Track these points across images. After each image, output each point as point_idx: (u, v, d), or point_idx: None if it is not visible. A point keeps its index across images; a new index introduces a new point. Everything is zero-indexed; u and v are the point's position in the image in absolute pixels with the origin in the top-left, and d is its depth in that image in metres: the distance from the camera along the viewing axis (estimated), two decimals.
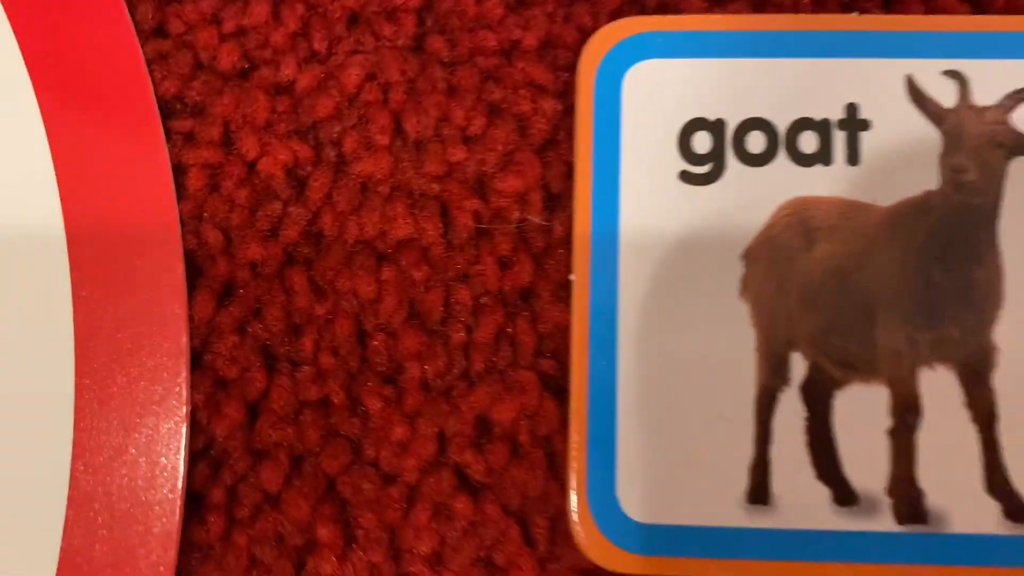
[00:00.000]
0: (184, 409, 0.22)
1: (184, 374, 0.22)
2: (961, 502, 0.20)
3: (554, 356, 0.22)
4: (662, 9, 0.23)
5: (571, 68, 0.23)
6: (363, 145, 0.23)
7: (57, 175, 0.22)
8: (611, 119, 0.22)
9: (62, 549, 0.21)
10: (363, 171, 0.22)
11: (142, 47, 0.23)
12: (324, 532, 0.22)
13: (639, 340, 0.21)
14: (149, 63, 0.23)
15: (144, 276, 0.22)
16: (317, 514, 0.22)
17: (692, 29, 0.22)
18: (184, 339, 0.22)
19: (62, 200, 0.22)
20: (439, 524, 0.22)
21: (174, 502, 0.21)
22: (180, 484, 0.22)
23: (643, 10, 0.23)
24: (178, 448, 0.22)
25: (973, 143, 0.21)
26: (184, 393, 0.22)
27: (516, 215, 0.22)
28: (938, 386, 0.21)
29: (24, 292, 0.22)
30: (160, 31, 0.24)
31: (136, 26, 0.23)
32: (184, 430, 0.22)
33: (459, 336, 0.22)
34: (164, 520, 0.21)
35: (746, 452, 0.21)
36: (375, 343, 0.22)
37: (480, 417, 0.22)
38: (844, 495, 0.21)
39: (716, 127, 0.22)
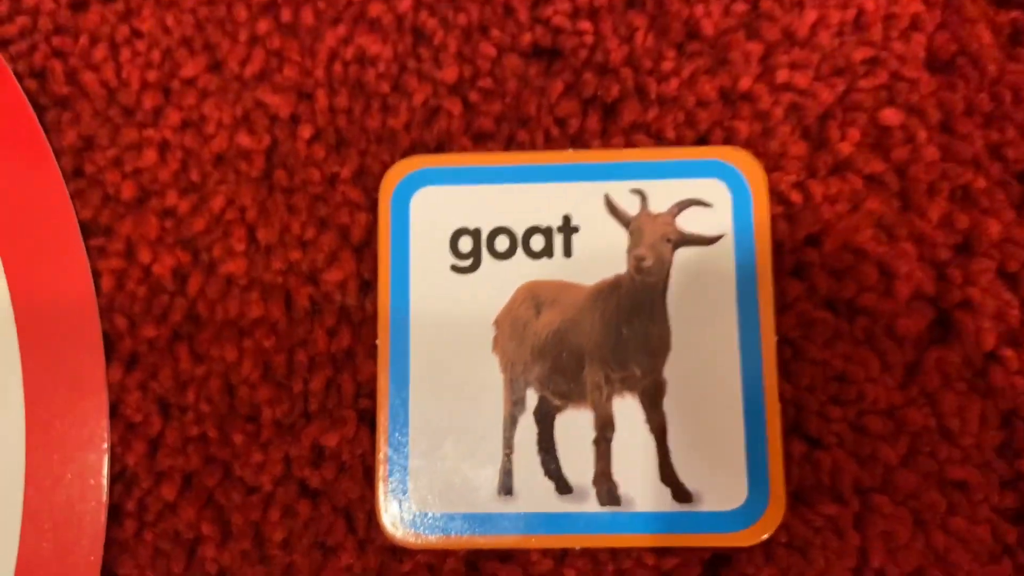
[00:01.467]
0: (105, 445, 0.30)
1: (104, 421, 0.31)
2: (643, 490, 0.29)
3: (369, 397, 0.31)
4: (439, 149, 0.32)
5: (378, 190, 0.32)
6: (227, 251, 0.31)
7: (10, 287, 0.31)
8: (403, 229, 0.31)
9: (19, 550, 0.30)
10: (227, 270, 0.31)
11: (66, 185, 0.32)
12: (207, 528, 0.30)
13: (425, 384, 0.30)
14: (72, 197, 0.32)
15: (73, 352, 0.31)
16: (201, 516, 0.30)
17: (458, 165, 0.31)
18: (103, 396, 0.31)
19: (13, 300, 0.31)
20: (288, 520, 0.30)
21: (100, 512, 0.30)
22: (104, 499, 0.30)
23: (426, 150, 0.32)
24: (101, 473, 0.30)
25: (650, 239, 0.30)
26: (105, 435, 0.31)
27: (338, 298, 0.31)
28: (626, 410, 0.30)
29: None
30: (78, 172, 0.32)
31: (61, 170, 0.32)
32: (106, 460, 0.30)
33: (299, 387, 0.31)
34: (93, 525, 0.30)
35: (497, 459, 0.30)
36: (239, 394, 0.31)
37: (315, 444, 0.31)
38: (563, 487, 0.30)
39: (475, 233, 0.31)
